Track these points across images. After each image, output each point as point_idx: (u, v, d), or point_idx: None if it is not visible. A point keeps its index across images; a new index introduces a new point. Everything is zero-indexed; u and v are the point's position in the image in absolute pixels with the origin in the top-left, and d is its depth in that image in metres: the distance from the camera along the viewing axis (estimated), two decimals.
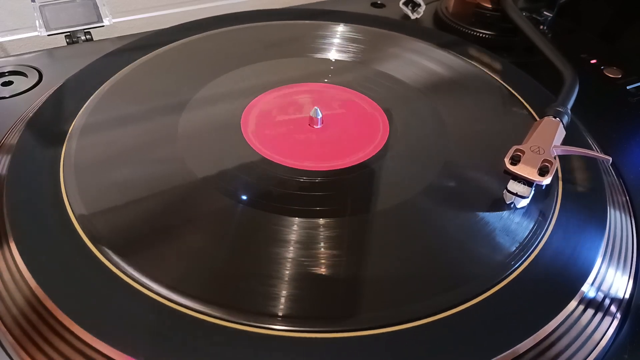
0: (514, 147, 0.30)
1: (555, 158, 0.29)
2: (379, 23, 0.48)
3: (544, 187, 0.29)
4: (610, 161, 0.31)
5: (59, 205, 0.28)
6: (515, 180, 0.29)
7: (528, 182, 0.28)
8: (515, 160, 0.29)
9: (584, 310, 0.26)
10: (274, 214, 0.28)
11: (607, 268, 0.28)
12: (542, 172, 0.28)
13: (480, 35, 0.51)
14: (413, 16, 0.55)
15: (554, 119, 0.32)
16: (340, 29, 0.46)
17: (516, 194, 0.29)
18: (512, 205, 0.29)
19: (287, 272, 0.25)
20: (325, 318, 0.24)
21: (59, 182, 0.29)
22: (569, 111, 0.34)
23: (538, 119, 0.33)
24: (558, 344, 0.24)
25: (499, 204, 0.29)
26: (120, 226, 0.27)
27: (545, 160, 0.29)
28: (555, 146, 0.30)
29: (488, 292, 0.25)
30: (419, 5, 0.54)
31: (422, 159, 0.33)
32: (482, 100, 0.39)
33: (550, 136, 0.31)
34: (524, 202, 0.29)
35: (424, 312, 0.24)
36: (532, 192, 0.29)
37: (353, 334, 0.23)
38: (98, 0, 0.47)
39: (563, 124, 0.32)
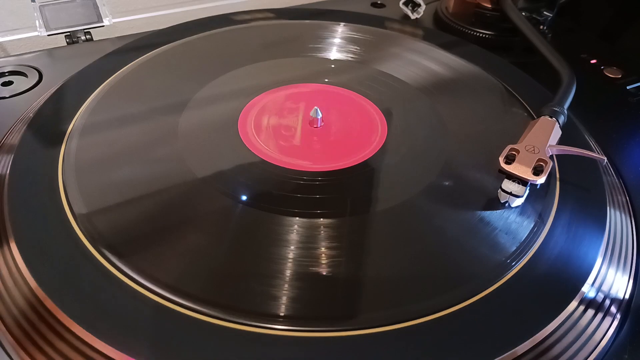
0: (509, 146, 0.30)
1: (550, 158, 0.29)
2: (379, 23, 0.48)
3: (538, 187, 0.29)
4: (605, 161, 0.31)
5: (59, 205, 0.28)
6: (509, 180, 0.29)
7: (522, 182, 0.28)
8: (509, 160, 0.29)
9: (584, 311, 0.26)
10: (273, 214, 0.28)
11: (607, 268, 0.28)
12: (537, 171, 0.28)
13: (480, 35, 0.51)
14: (413, 16, 0.55)
15: (550, 118, 0.32)
16: (340, 28, 0.46)
17: (510, 193, 0.29)
18: (506, 205, 0.29)
19: (287, 272, 0.25)
20: (325, 318, 0.24)
21: (59, 182, 0.29)
22: (566, 111, 0.34)
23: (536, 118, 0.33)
24: (558, 345, 0.24)
25: (499, 204, 0.29)
26: (120, 226, 0.27)
27: (540, 160, 0.29)
28: (550, 146, 0.30)
29: (487, 292, 0.25)
30: (419, 5, 0.54)
31: (421, 159, 0.33)
32: (482, 100, 0.39)
33: (546, 136, 0.31)
34: (518, 202, 0.29)
35: (423, 312, 0.24)
36: (527, 191, 0.29)
37: (353, 334, 0.23)
38: (98, 0, 0.47)
39: (559, 123, 0.32)
